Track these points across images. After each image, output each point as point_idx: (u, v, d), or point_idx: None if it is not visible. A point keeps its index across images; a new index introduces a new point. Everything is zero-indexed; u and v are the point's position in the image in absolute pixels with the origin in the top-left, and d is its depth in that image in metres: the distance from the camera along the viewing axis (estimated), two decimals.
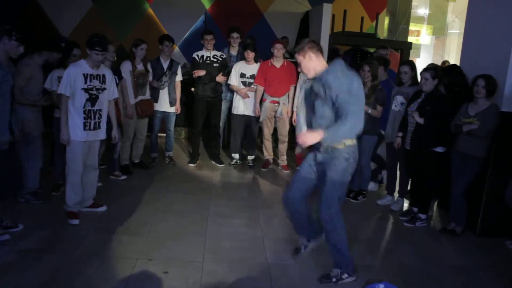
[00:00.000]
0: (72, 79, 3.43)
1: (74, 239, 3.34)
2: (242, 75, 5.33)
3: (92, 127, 3.60)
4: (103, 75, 3.64)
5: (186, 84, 5.72)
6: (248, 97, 5.32)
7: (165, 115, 5.35)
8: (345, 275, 2.89)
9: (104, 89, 3.66)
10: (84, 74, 3.49)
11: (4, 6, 6.28)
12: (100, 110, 3.65)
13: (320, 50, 2.80)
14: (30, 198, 3.91)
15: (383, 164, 4.95)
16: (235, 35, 5.56)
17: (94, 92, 3.56)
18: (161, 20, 7.48)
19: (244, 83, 5.34)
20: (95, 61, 3.50)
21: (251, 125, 5.49)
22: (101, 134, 3.73)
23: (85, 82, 3.50)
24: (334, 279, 2.88)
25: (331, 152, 2.78)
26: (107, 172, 4.84)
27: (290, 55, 6.59)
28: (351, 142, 2.79)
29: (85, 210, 3.79)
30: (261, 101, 5.33)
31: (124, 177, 4.87)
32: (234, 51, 5.69)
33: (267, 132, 5.48)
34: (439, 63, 10.39)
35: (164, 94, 5.22)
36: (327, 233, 2.86)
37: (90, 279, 2.80)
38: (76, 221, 3.59)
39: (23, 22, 6.63)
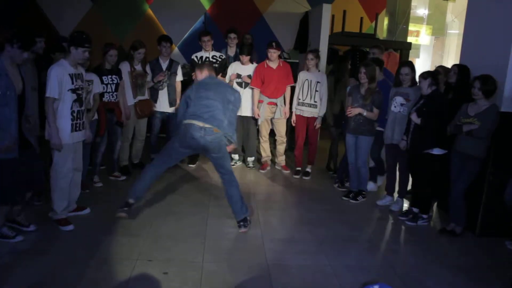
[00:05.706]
0: (60, 80, 3.30)
1: (74, 240, 3.34)
2: (238, 76, 5.32)
3: (80, 127, 3.53)
4: (82, 74, 3.56)
5: (186, 85, 5.70)
6: (237, 79, 5.30)
7: (165, 115, 5.32)
8: None
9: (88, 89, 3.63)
10: (70, 74, 3.38)
11: (4, 6, 6.28)
12: (85, 110, 3.61)
13: None
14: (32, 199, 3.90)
15: (382, 168, 4.94)
16: (232, 35, 5.55)
17: (80, 92, 3.48)
18: (160, 20, 7.49)
19: (240, 84, 5.33)
20: (82, 58, 3.43)
21: (250, 126, 5.48)
22: (86, 134, 3.67)
23: (72, 83, 3.39)
24: None
25: None
26: (107, 173, 4.83)
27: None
28: None
29: (70, 215, 3.66)
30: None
31: (123, 177, 4.86)
32: (231, 52, 5.67)
33: (265, 134, 5.47)
34: (438, 63, 10.39)
35: (163, 95, 5.19)
36: None
37: (89, 280, 2.80)
38: (70, 227, 3.51)
39: (22, 23, 6.65)
